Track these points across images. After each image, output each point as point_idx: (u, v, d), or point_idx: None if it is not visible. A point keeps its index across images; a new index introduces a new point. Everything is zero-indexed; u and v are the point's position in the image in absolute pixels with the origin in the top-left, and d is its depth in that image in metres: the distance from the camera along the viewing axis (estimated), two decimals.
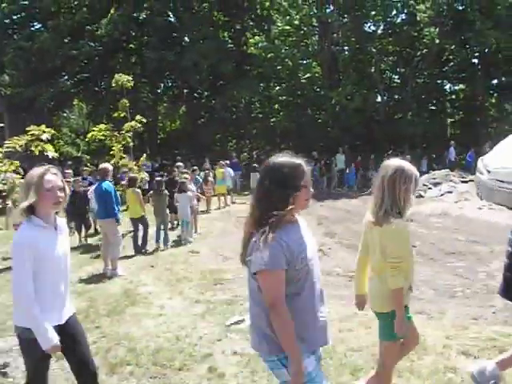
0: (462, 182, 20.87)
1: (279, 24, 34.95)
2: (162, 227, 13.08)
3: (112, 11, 30.79)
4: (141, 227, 12.52)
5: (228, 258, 10.86)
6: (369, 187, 26.03)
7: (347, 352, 5.55)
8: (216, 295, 8.20)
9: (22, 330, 3.55)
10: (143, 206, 12.45)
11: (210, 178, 20.19)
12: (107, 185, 10.49)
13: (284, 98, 35.64)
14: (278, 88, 35.29)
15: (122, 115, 16.27)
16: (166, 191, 13.37)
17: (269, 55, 32.29)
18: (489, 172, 17.39)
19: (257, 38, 34.39)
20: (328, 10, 33.31)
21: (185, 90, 36.35)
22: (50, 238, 3.62)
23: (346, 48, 35.04)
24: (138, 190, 12.48)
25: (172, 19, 35.70)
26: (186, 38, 34.63)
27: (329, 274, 9.12)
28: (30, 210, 3.55)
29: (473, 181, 20.13)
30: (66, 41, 32.48)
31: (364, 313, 6.83)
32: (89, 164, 26.86)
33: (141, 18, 33.94)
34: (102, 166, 10.98)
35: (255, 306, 3.04)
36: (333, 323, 6.34)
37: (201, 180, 19.28)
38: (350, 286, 8.36)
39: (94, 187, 12.06)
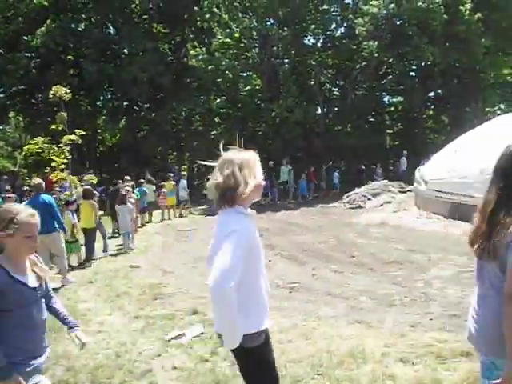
0: (401, 192, 21.15)
1: (219, 36, 34.98)
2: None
3: (48, 22, 30.12)
4: (89, 239, 12.86)
5: (168, 272, 10.75)
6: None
7: (287, 363, 5.47)
8: (156, 310, 8.03)
9: None
10: (96, 218, 12.86)
11: (164, 190, 21.10)
12: (48, 198, 10.27)
13: (224, 110, 35.50)
14: (218, 100, 35.15)
15: (59, 128, 15.77)
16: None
17: (209, 67, 32.14)
18: (426, 183, 17.61)
19: (197, 50, 34.37)
20: (268, 23, 33.49)
21: (124, 103, 35.71)
22: None
23: (286, 61, 35.25)
24: (94, 202, 12.99)
25: (111, 31, 35.21)
26: (126, 50, 34.06)
27: (269, 285, 8.94)
28: None
29: (411, 191, 20.39)
30: (1, 51, 31.62)
31: (303, 324, 6.78)
32: (27, 178, 26.21)
33: (79, 28, 33.27)
34: (37, 180, 10.72)
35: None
36: (273, 335, 6.20)
37: (147, 191, 19.78)
38: (290, 297, 8.32)
39: (27, 201, 11.62)
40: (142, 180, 20.63)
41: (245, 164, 3.36)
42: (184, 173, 28.70)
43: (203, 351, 5.99)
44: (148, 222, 19.99)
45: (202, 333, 6.63)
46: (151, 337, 6.72)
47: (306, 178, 28.51)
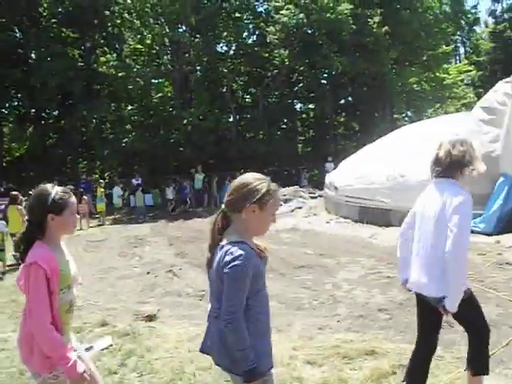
0: (312, 197, 21.46)
1: (131, 42, 34.60)
2: None
3: None
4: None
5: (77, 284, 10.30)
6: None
7: (196, 371, 5.40)
8: None
9: None
10: (24, 223, 12.09)
11: (85, 197, 21.51)
12: None
13: (136, 118, 34.98)
14: (129, 108, 34.67)
15: None
16: None
17: (120, 74, 31.67)
18: (336, 188, 18.00)
19: (108, 56, 33.72)
20: (180, 30, 33.36)
21: (32, 110, 34.56)
22: None
23: (198, 68, 35.17)
24: (21, 207, 12.87)
25: (17, 34, 33.90)
26: (33, 55, 32.99)
27: (179, 294, 9.03)
28: None
29: (322, 196, 20.76)
30: None
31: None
32: None
33: None
34: None
35: None
36: (182, 343, 6.25)
37: None
38: (201, 305, 8.23)
39: None
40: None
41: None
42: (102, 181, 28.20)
43: (111, 363, 5.81)
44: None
45: (110, 345, 6.42)
46: None
47: (229, 183, 28.42)
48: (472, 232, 12.40)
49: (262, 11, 36.18)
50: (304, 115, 40.79)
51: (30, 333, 3.19)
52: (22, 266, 3.24)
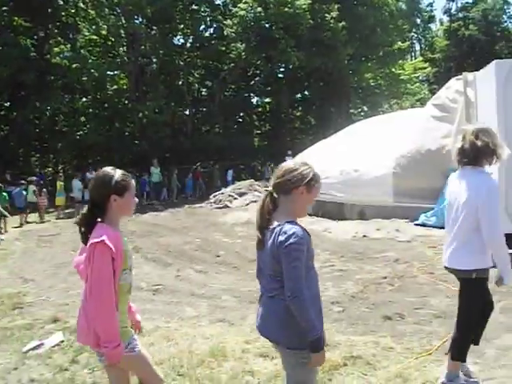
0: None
1: (86, 33, 34.02)
2: None
3: None
4: None
5: (28, 280, 10.12)
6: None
7: None
8: (14, 320, 7.49)
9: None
10: None
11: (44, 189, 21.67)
12: None
13: (90, 110, 34.53)
14: (84, 100, 34.17)
15: None
16: None
17: (74, 65, 31.06)
18: None
19: (61, 46, 33.09)
20: (136, 21, 32.99)
21: None
22: None
23: (154, 60, 34.81)
24: None
25: None
26: None
27: (133, 288, 8.79)
28: None
29: None
30: None
31: (166, 325, 6.68)
32: None
33: None
34: None
35: None
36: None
37: (24, 193, 19.94)
38: (154, 300, 8.16)
39: None
40: (23, 181, 20.73)
41: None
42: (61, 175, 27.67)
43: (62, 360, 5.71)
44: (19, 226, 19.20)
45: (61, 341, 6.31)
46: (7, 350, 6.27)
47: (192, 177, 28.81)
48: (424, 225, 12.75)
49: (219, 4, 36.08)
50: (260, 109, 40.95)
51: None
52: (85, 248, 3.39)
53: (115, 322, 3.24)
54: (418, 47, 71.03)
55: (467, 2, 65.62)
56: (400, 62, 44.93)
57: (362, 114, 41.30)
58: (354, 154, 15.74)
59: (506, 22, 63.35)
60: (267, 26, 33.32)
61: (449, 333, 5.79)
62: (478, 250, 4.14)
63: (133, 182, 3.48)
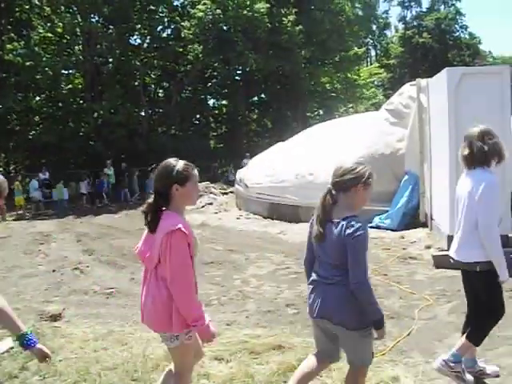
0: (223, 193, 21.48)
1: (40, 30, 33.35)
2: None
3: None
4: None
5: None
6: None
7: (102, 371, 5.22)
8: None
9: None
10: None
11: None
12: None
13: (44, 109, 33.81)
14: (37, 99, 33.50)
15: None
16: None
17: (28, 63, 30.38)
18: (246, 186, 18.10)
19: (15, 44, 32.37)
20: (93, 20, 32.54)
21: None
22: None
23: (110, 60, 34.32)
24: None
25: None
26: None
27: (86, 292, 8.76)
28: None
29: (233, 192, 20.83)
30: None
31: (120, 329, 6.58)
32: None
33: None
34: None
35: None
36: (87, 343, 6.03)
37: None
38: (108, 303, 8.05)
39: None
40: None
41: None
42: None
43: (12, 367, 5.52)
44: None
45: (11, 347, 6.08)
46: None
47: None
48: (378, 228, 12.90)
49: (177, 5, 35.82)
50: (217, 111, 40.89)
51: (167, 298, 3.45)
52: (149, 236, 3.62)
53: (199, 302, 3.55)
54: (373, 53, 72.08)
55: (421, 11, 67.29)
56: (356, 67, 45.48)
57: (318, 117, 41.62)
58: (310, 158, 15.82)
59: (458, 31, 65.08)
60: (225, 28, 33.33)
61: (402, 333, 5.94)
62: (478, 244, 4.27)
63: (195, 172, 3.66)
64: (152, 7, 33.50)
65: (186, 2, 35.18)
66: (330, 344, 3.87)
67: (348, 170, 3.63)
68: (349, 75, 42.37)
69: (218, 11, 31.75)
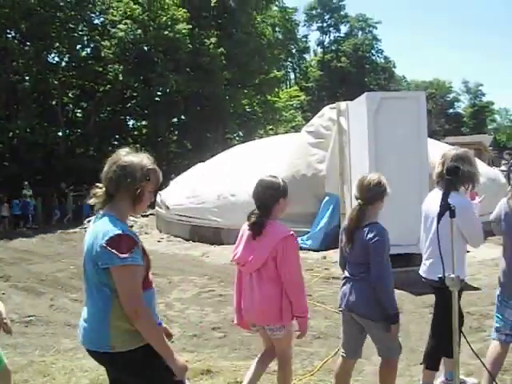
0: (143, 215, 21.12)
1: None
2: None
3: None
4: None
5: None
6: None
7: None
8: None
9: None
10: None
11: None
12: None
13: None
14: None
15: None
16: None
17: None
18: (167, 207, 17.91)
19: None
20: (9, 36, 31.59)
21: None
22: None
23: (26, 78, 33.31)
24: None
25: None
26: None
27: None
28: None
29: (153, 214, 20.55)
30: None
31: (41, 359, 6.29)
32: None
33: None
34: None
35: None
36: None
37: None
38: (27, 332, 7.72)
39: None
40: None
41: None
42: None
43: None
44: None
45: None
46: None
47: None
48: (301, 249, 12.99)
49: (98, 24, 35.28)
50: (136, 132, 40.42)
51: (278, 295, 4.07)
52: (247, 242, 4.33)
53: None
54: (292, 76, 73.36)
55: (339, 36, 69.19)
56: (276, 89, 46.15)
57: (238, 138, 41.90)
58: (232, 178, 15.85)
59: (374, 56, 67.45)
60: (146, 48, 33.16)
61: (329, 353, 5.97)
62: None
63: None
64: (71, 25, 32.82)
65: (106, 22, 34.65)
66: (355, 340, 4.37)
67: (378, 183, 4.16)
68: (268, 97, 42.95)
69: (139, 31, 31.60)
